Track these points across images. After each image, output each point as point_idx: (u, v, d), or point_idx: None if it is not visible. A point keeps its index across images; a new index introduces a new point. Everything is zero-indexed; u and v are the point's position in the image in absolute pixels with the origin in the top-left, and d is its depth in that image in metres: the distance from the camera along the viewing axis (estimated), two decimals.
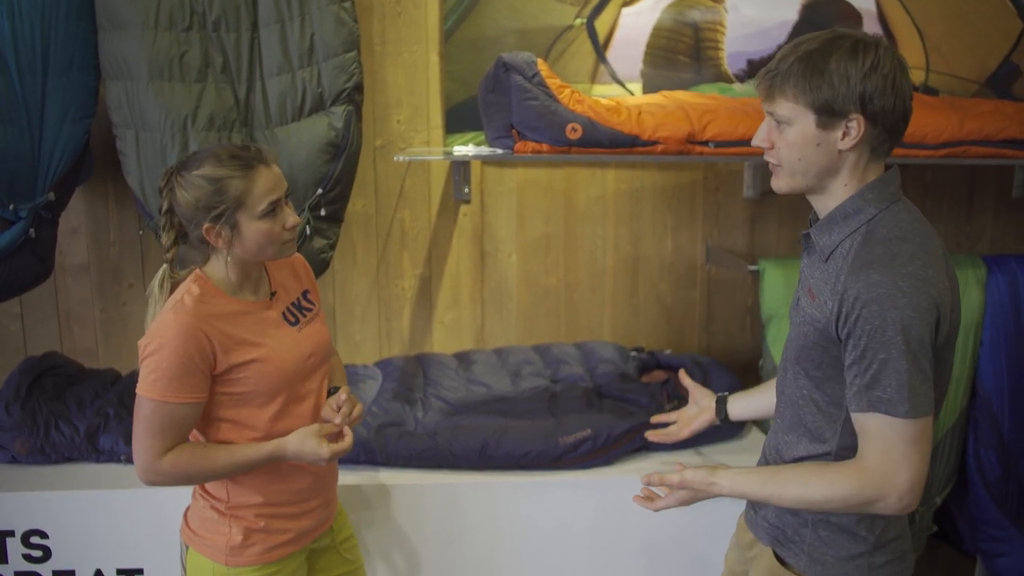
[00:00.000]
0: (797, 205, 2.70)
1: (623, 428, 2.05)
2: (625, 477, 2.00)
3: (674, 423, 1.74)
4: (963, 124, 2.27)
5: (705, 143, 2.17)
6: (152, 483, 1.46)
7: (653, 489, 1.43)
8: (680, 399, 2.04)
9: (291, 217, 1.49)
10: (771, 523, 1.41)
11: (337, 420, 1.53)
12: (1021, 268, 2.40)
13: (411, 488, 1.99)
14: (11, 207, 1.99)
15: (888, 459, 1.21)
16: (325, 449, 1.48)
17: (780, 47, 2.50)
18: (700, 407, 1.70)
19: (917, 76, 2.61)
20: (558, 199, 2.62)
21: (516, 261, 2.65)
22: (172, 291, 1.50)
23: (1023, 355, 2.42)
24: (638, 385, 2.28)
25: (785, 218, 2.70)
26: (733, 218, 2.67)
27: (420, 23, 2.49)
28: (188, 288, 1.47)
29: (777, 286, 2.40)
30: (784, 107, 1.25)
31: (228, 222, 1.44)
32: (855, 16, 2.56)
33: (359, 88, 2.19)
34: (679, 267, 2.68)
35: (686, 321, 2.71)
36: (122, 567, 1.97)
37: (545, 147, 2.18)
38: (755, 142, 1.33)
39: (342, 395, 1.56)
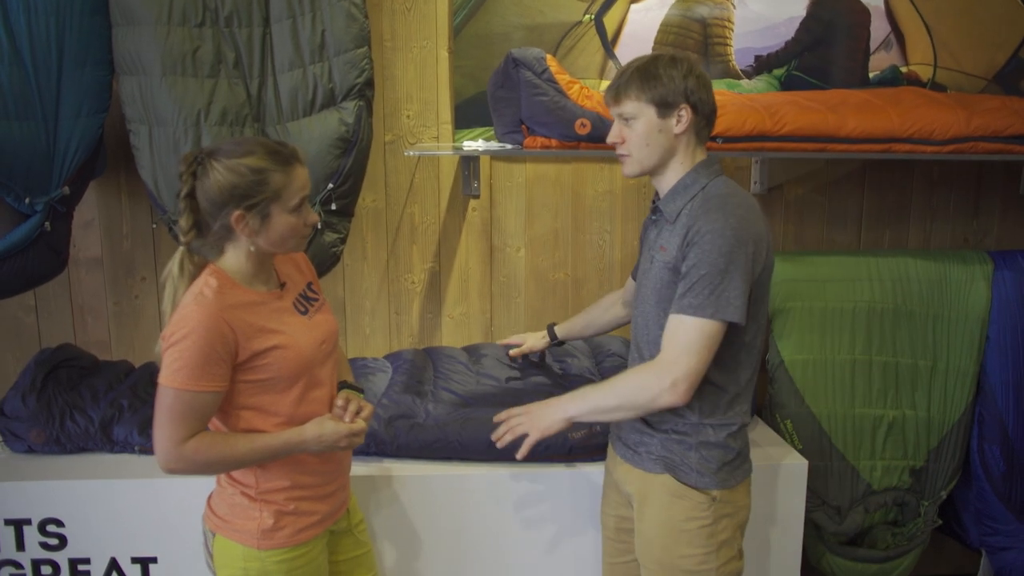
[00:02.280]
0: (804, 201, 2.72)
1: None
2: None
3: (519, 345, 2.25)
4: (970, 120, 2.28)
5: (713, 138, 2.19)
6: (173, 471, 1.48)
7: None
8: None
9: (312, 214, 1.56)
10: (659, 455, 1.67)
11: (346, 419, 1.60)
12: None
13: (420, 479, 2.01)
14: (27, 201, 2.02)
15: (674, 350, 1.53)
16: (344, 426, 1.56)
17: (788, 43, 2.54)
18: (538, 338, 2.23)
19: (925, 72, 2.62)
20: (566, 194, 2.64)
21: (525, 256, 2.66)
22: (192, 276, 1.53)
23: None
24: None
25: (791, 213, 2.72)
26: None
27: (429, 19, 2.51)
28: (206, 281, 1.50)
29: (784, 281, 2.42)
30: (630, 106, 1.60)
31: (261, 212, 1.48)
32: (863, 12, 2.57)
33: (370, 83, 2.21)
34: None
35: None
36: (136, 555, 2.00)
37: (554, 142, 2.20)
38: (609, 139, 1.66)
39: (338, 402, 1.63)
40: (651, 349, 1.67)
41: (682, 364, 1.52)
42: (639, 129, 1.60)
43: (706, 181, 1.61)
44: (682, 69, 1.57)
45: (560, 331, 2.18)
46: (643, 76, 1.58)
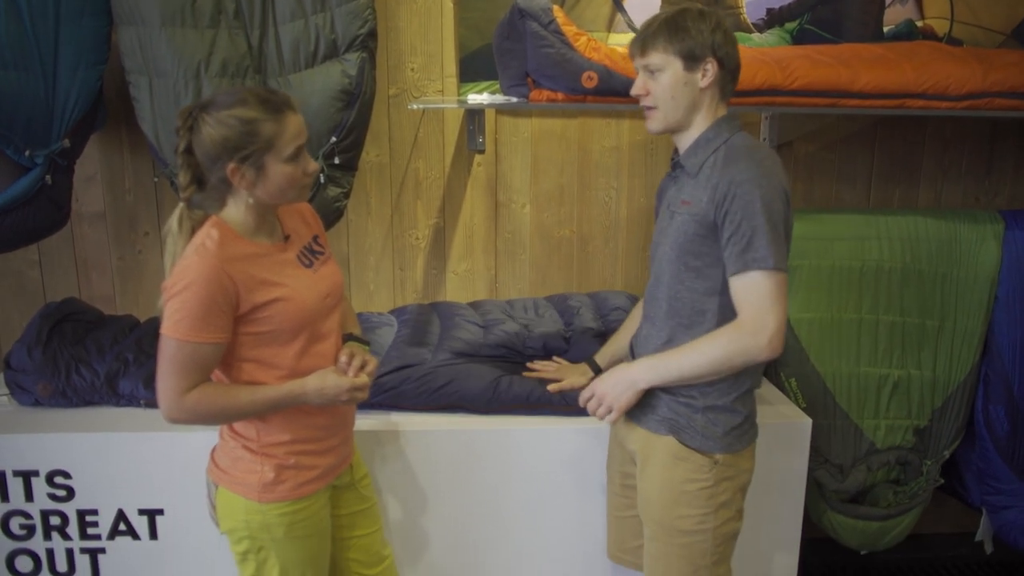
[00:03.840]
0: (813, 157, 2.68)
1: None
2: None
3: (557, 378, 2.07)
4: (987, 75, 2.23)
5: None
6: (176, 421, 1.49)
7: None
8: None
9: (311, 163, 1.53)
10: (664, 416, 1.67)
11: (350, 373, 1.59)
12: None
13: (425, 433, 2.02)
14: (27, 153, 2.00)
15: (759, 309, 1.51)
16: (346, 380, 1.56)
17: None
18: (579, 373, 2.04)
19: (941, 27, 2.55)
20: (572, 150, 2.61)
21: (530, 212, 2.64)
22: (191, 231, 1.52)
23: None
24: None
25: (801, 170, 2.68)
26: None
27: None
28: (208, 233, 1.49)
29: (791, 238, 2.39)
30: (656, 57, 1.59)
31: (255, 164, 1.46)
32: None
33: (373, 35, 2.17)
34: None
35: None
36: (143, 507, 2.02)
37: (560, 95, 2.16)
38: (633, 91, 1.65)
39: (342, 357, 1.62)
40: (662, 309, 1.66)
41: (771, 319, 1.51)
42: (664, 81, 1.59)
43: (728, 135, 1.61)
44: (710, 23, 1.58)
45: (601, 360, 2.02)
46: (671, 28, 1.58)
